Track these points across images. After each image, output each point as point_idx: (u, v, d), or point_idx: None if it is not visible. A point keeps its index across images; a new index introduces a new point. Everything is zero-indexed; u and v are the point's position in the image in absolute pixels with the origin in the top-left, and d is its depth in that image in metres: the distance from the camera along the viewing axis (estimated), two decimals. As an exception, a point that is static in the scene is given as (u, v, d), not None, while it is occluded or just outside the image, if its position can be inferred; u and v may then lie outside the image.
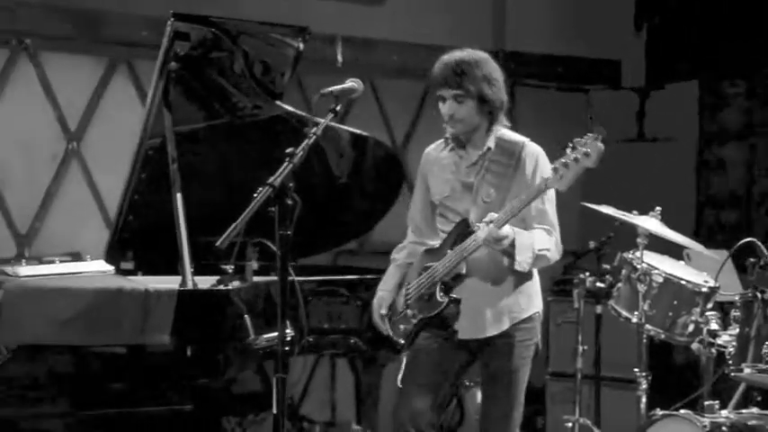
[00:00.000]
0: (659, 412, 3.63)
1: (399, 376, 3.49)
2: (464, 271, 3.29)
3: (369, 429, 4.38)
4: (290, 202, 2.68)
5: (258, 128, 4.08)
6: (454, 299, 3.29)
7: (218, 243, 2.65)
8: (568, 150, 2.98)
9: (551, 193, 3.29)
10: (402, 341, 3.42)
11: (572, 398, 4.78)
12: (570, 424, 4.71)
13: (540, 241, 3.26)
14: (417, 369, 3.39)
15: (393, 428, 3.41)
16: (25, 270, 3.93)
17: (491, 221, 3.13)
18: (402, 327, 3.43)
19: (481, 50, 3.42)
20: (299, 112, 4.09)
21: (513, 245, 3.18)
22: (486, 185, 3.29)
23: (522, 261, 3.22)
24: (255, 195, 2.68)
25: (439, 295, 3.31)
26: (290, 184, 2.70)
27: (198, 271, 3.55)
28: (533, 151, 3.31)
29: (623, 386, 4.76)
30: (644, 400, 4.22)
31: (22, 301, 3.31)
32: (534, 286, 3.40)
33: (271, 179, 2.68)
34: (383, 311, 3.46)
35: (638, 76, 6.35)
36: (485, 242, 3.17)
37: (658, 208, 4.19)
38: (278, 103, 4.04)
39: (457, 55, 3.28)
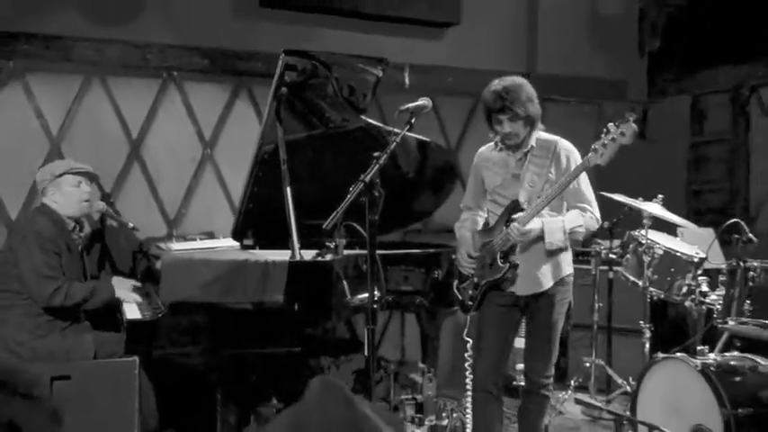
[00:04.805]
0: (660, 355, 3.58)
1: (465, 331, 3.49)
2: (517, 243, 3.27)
3: (431, 367, 4.39)
4: (376, 193, 2.69)
5: (346, 136, 4.07)
6: (514, 263, 3.27)
7: (324, 225, 2.66)
8: (603, 133, 2.95)
9: (585, 176, 3.27)
10: (470, 303, 3.41)
11: (589, 344, 4.75)
12: (588, 364, 4.68)
13: (571, 221, 3.24)
14: (488, 330, 3.38)
15: (473, 383, 3.42)
16: (175, 246, 4.05)
17: (516, 220, 3.15)
18: (470, 292, 3.43)
19: (517, 74, 3.39)
20: (377, 123, 4.10)
21: (543, 231, 3.19)
22: (530, 174, 3.27)
23: (553, 242, 3.22)
24: (351, 189, 2.68)
25: (500, 261, 3.30)
26: (377, 180, 2.70)
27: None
28: (566, 146, 3.30)
29: (630, 335, 4.69)
30: (647, 346, 4.17)
31: (176, 270, 3.38)
32: (568, 254, 3.39)
33: (362, 176, 2.68)
34: (472, 252, 3.40)
35: (640, 92, 6.22)
36: (516, 239, 3.18)
37: (660, 195, 4.13)
38: (362, 117, 4.04)
39: (503, 84, 3.20)
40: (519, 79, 3.27)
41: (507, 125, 3.22)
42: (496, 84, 3.23)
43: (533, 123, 3.26)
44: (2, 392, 1.27)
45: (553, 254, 3.29)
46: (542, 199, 3.13)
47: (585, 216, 3.26)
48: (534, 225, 3.18)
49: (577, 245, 4.32)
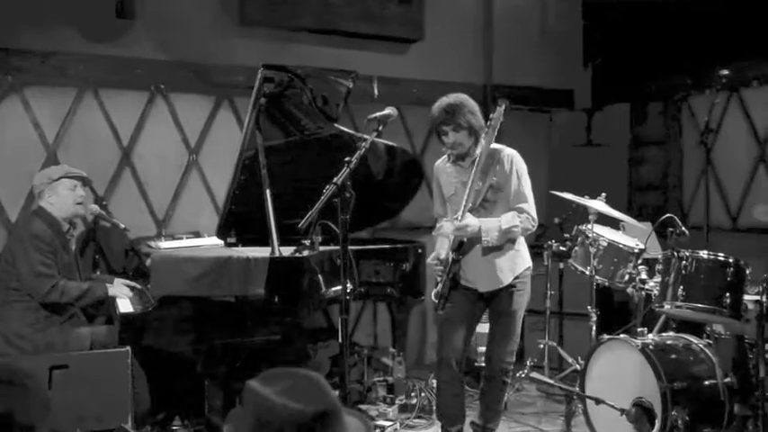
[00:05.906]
0: (606, 336, 3.63)
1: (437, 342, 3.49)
2: (465, 240, 3.30)
3: (401, 351, 4.40)
4: (347, 195, 2.68)
5: (320, 142, 4.06)
6: (455, 258, 3.30)
7: (299, 225, 2.65)
8: (488, 121, 3.15)
9: (526, 180, 3.33)
10: (435, 302, 3.39)
11: (543, 327, 4.80)
12: (542, 345, 4.73)
13: (507, 221, 3.28)
14: (454, 317, 3.40)
15: (437, 360, 3.43)
16: (164, 244, 4.01)
17: (455, 218, 3.20)
18: (437, 290, 3.42)
19: (475, 85, 3.43)
20: (348, 130, 4.08)
21: (480, 229, 3.23)
22: (476, 180, 3.29)
23: (490, 239, 3.25)
24: (324, 191, 2.67)
25: (450, 258, 3.32)
26: (348, 183, 2.70)
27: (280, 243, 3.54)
28: (509, 153, 3.33)
29: (579, 319, 4.75)
30: (594, 328, 4.22)
31: (165, 266, 3.36)
32: (524, 250, 3.43)
33: (335, 179, 2.67)
34: (440, 256, 3.39)
35: (585, 100, 6.30)
36: (454, 233, 3.22)
37: (604, 193, 4.19)
38: (334, 124, 4.02)
39: (447, 100, 3.27)
40: (462, 96, 3.32)
41: (452, 135, 3.27)
42: (442, 99, 3.29)
43: (477, 134, 3.28)
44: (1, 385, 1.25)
45: (504, 251, 3.33)
46: (469, 193, 3.17)
47: (521, 217, 3.31)
48: (472, 221, 3.22)
49: (529, 239, 4.36)
